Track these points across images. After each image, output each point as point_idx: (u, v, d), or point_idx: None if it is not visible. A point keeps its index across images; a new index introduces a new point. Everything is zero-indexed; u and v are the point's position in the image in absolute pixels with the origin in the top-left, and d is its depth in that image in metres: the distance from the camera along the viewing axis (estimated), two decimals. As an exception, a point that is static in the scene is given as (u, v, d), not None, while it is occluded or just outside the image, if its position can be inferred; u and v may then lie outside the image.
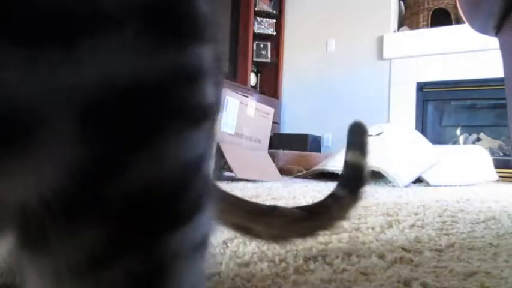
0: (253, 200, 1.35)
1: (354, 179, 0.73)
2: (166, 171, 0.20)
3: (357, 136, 0.77)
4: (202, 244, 0.22)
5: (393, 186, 2.29)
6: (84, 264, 0.19)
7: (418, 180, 2.52)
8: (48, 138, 0.17)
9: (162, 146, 0.19)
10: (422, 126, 4.08)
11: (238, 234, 0.71)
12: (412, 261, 0.61)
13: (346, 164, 0.75)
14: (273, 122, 2.97)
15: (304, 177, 2.82)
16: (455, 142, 4.25)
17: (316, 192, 1.69)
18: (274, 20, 4.86)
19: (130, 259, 0.20)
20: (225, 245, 0.70)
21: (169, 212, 0.20)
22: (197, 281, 0.22)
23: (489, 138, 4.05)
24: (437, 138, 4.12)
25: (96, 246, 0.19)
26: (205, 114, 0.22)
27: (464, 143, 4.15)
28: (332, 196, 0.69)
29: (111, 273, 0.19)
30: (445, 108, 4.38)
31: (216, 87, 0.23)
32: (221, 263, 0.58)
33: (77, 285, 0.19)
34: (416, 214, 1.14)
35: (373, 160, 2.74)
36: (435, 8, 4.17)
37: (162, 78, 0.19)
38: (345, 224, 0.95)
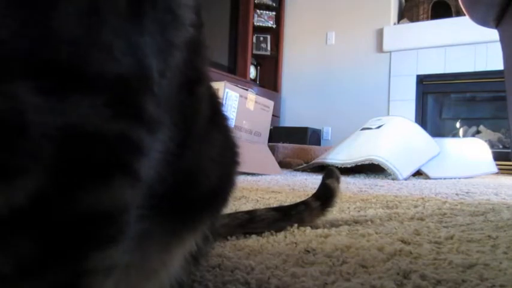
0: (253, 192, 1.35)
1: (327, 197, 0.86)
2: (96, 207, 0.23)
3: (334, 173, 0.91)
4: (113, 267, 0.25)
5: (393, 179, 2.29)
6: (11, 274, 0.21)
7: (418, 173, 2.53)
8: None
9: (98, 190, 0.23)
10: (422, 118, 4.08)
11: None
12: (411, 253, 0.61)
13: (324, 185, 0.89)
14: (273, 115, 2.97)
15: (304, 170, 2.82)
16: (455, 135, 4.25)
17: (316, 185, 1.69)
18: (274, 13, 4.84)
19: (56, 272, 0.22)
20: (225, 238, 0.70)
21: (95, 235, 0.23)
22: None
23: (489, 131, 4.05)
24: (437, 131, 4.12)
25: (26, 257, 0.21)
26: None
27: (464, 135, 4.15)
28: (305, 203, 0.84)
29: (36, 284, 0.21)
30: (444, 100, 4.38)
31: None
32: (221, 256, 0.58)
33: None
34: (415, 207, 1.15)
35: (373, 153, 2.76)
36: (435, 0, 4.15)
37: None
38: (345, 216, 0.96)
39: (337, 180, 0.89)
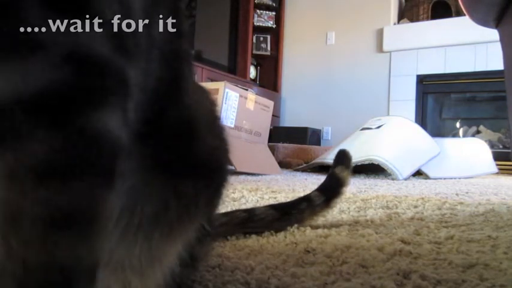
0: (253, 193, 1.35)
1: (334, 189, 0.83)
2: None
3: (345, 158, 0.88)
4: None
5: (393, 179, 2.29)
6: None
7: (418, 173, 2.53)
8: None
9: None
10: (422, 118, 4.08)
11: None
12: (411, 253, 0.61)
13: (332, 176, 0.85)
14: (273, 115, 2.97)
15: (304, 170, 2.82)
16: (455, 135, 4.25)
17: (316, 185, 1.69)
18: (274, 13, 4.84)
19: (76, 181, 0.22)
20: (225, 237, 0.70)
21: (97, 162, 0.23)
22: None
23: (489, 131, 4.05)
24: (437, 131, 4.12)
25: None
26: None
27: (464, 135, 4.15)
28: (307, 200, 0.81)
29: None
30: (444, 100, 4.38)
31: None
32: (221, 256, 0.58)
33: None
34: (415, 207, 1.15)
35: (373, 153, 2.76)
36: (435, 0, 4.15)
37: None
38: (345, 216, 0.96)
39: (347, 167, 0.86)
